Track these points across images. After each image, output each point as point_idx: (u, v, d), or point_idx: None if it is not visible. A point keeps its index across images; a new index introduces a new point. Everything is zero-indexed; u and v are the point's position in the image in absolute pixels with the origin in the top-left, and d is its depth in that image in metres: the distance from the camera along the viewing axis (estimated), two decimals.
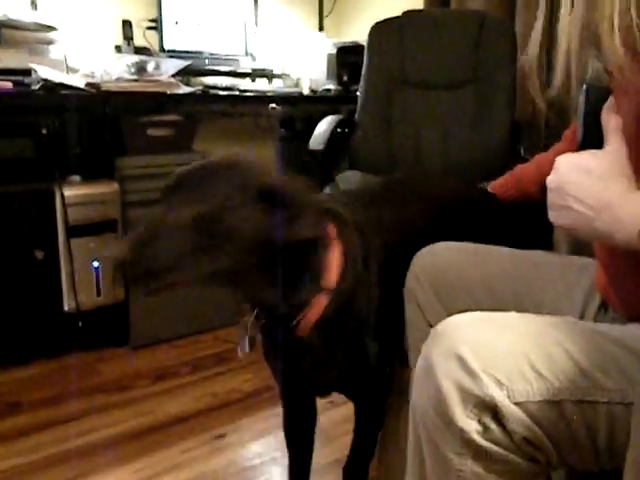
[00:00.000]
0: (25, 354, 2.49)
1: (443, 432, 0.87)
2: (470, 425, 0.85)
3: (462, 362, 0.85)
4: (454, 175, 1.98)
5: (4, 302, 2.37)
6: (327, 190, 2.50)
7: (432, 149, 2.67)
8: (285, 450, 1.64)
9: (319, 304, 1.23)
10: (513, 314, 0.95)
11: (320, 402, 1.88)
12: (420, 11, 3.00)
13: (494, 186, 1.77)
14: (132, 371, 2.48)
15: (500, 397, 0.84)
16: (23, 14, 2.74)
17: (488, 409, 0.84)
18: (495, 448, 0.85)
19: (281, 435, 1.63)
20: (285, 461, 1.66)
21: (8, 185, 2.37)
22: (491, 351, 0.87)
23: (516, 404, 0.84)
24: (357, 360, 1.34)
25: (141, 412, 2.20)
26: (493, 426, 0.85)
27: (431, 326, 1.00)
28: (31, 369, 2.46)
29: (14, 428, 2.09)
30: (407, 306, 1.32)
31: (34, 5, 2.92)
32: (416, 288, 1.30)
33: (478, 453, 0.86)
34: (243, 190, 1.10)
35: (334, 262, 1.24)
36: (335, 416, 2.11)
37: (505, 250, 1.33)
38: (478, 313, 0.94)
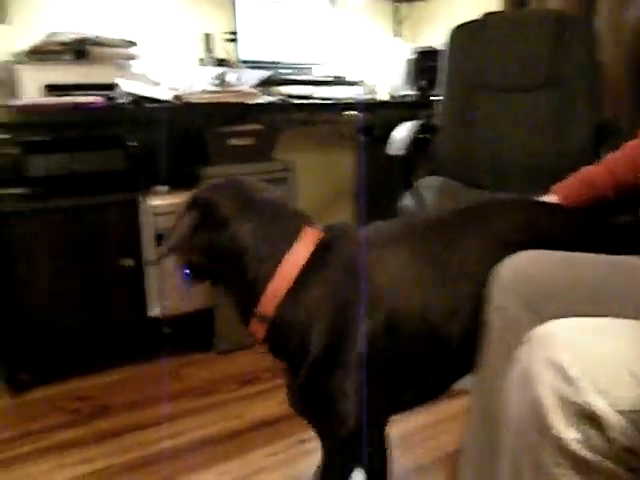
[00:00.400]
0: (114, 359, 2.57)
1: (541, 441, 0.85)
2: (570, 434, 0.83)
3: (561, 370, 0.84)
4: (536, 189, 1.84)
5: (94, 309, 2.46)
6: (407, 195, 2.50)
7: (513, 154, 2.63)
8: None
9: (264, 307, 1.25)
10: (612, 319, 0.93)
11: None
12: (500, 12, 2.96)
13: (561, 192, 1.59)
14: (217, 376, 2.53)
15: (601, 405, 0.82)
16: (109, 31, 2.85)
17: (588, 417, 0.83)
18: (595, 458, 0.83)
19: None
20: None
21: (98, 196, 2.47)
22: (590, 358, 0.85)
23: (618, 412, 0.82)
24: (315, 393, 1.26)
25: (227, 416, 2.24)
26: (593, 435, 0.83)
27: (519, 337, 0.98)
28: (120, 373, 2.54)
29: (104, 430, 2.16)
30: (491, 318, 1.29)
31: (120, 24, 3.03)
32: (502, 299, 1.24)
33: (577, 463, 0.84)
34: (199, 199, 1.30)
35: (292, 264, 1.23)
36: (415, 423, 2.11)
37: (596, 255, 1.29)
38: (575, 319, 0.93)
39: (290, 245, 1.23)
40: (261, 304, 1.24)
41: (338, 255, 1.23)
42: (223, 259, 1.27)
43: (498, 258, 1.23)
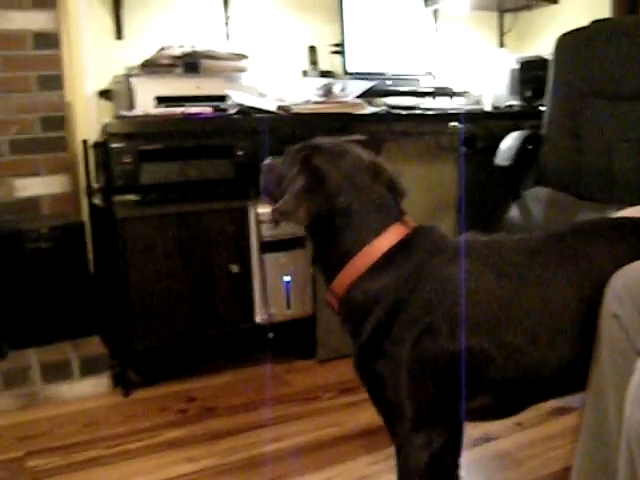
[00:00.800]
0: (221, 362, 2.64)
1: None
2: None
3: None
4: None
5: (202, 312, 2.53)
6: (514, 207, 2.45)
7: (625, 165, 2.53)
8: (469, 468, 1.60)
9: (338, 281, 1.28)
10: None
11: (506, 423, 1.83)
12: (609, 19, 2.88)
13: None
14: (319, 383, 2.55)
15: None
16: (218, 45, 2.95)
17: None
18: None
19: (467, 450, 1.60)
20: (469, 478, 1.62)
21: (208, 203, 2.54)
22: None
23: None
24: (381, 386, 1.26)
25: (328, 423, 2.24)
26: None
27: (636, 347, 0.94)
28: (227, 376, 2.60)
29: (210, 431, 2.21)
30: (605, 327, 1.24)
31: (228, 37, 3.13)
32: (619, 309, 1.18)
33: None
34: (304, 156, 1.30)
35: (373, 251, 1.25)
36: (522, 439, 2.05)
37: None
38: None
39: (376, 234, 1.26)
40: (335, 282, 1.30)
41: (414, 255, 1.24)
42: (319, 229, 1.31)
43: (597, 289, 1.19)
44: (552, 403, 2.16)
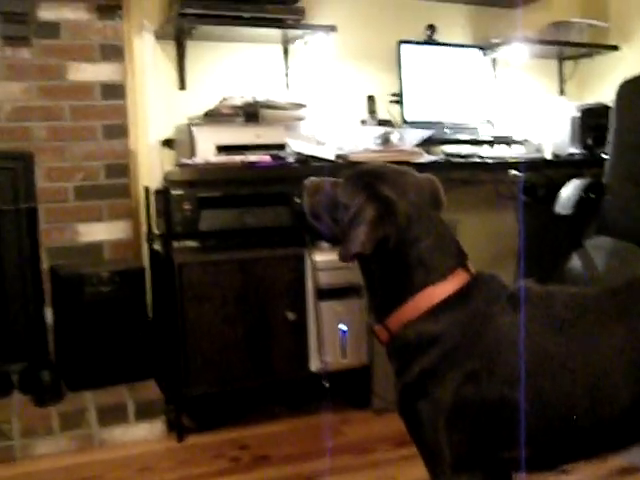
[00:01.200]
0: (275, 410, 2.62)
1: None
2: None
3: None
4: None
5: (258, 359, 2.53)
6: (575, 256, 2.40)
7: None
8: None
9: (395, 317, 1.26)
10: None
11: None
12: None
13: None
14: (374, 435, 2.50)
15: None
16: (279, 95, 3.00)
17: None
18: None
19: None
20: None
21: (264, 250, 2.57)
22: None
23: None
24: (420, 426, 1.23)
25: (383, 476, 2.19)
26: None
27: None
28: (281, 425, 2.58)
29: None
30: None
31: (288, 87, 3.19)
32: None
33: None
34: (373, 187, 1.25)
35: (434, 294, 1.22)
36: None
37: None
38: None
39: (440, 278, 1.24)
40: (391, 318, 1.27)
41: (473, 303, 1.22)
42: (379, 260, 1.26)
43: None
44: (616, 462, 2.07)
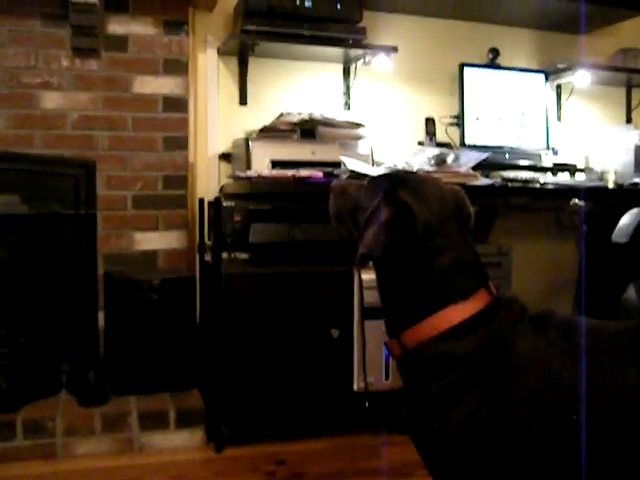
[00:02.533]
0: (315, 427, 2.59)
1: None
2: None
3: None
4: None
5: (300, 374, 2.52)
6: (632, 288, 2.31)
7: None
8: None
9: (412, 334, 1.21)
10: None
11: None
12: None
13: None
14: (413, 459, 2.43)
15: None
16: (337, 113, 3.02)
17: None
18: None
19: None
20: None
21: (312, 265, 2.56)
22: None
23: None
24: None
25: None
26: None
27: None
28: (320, 442, 2.54)
29: None
30: None
31: (347, 106, 3.20)
32: None
33: None
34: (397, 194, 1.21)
35: (454, 315, 1.17)
36: None
37: None
38: None
39: (462, 297, 1.18)
40: (407, 333, 1.22)
41: (494, 325, 1.17)
42: (395, 269, 1.22)
43: None
44: None
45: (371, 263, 1.26)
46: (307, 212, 2.58)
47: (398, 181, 1.25)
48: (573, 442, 1.08)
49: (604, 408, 1.08)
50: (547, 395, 1.10)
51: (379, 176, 1.31)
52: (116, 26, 2.84)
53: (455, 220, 1.24)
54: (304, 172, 2.49)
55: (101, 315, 2.74)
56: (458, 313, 1.17)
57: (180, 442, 2.46)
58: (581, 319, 1.20)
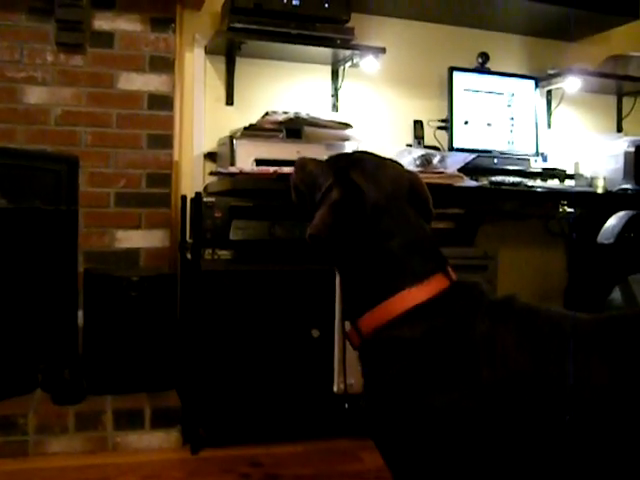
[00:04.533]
0: (292, 430, 2.54)
1: None
2: None
3: None
4: None
5: (278, 375, 2.47)
6: (617, 290, 2.28)
7: None
8: None
9: (366, 320, 1.18)
10: None
11: None
12: None
13: None
14: None
15: None
16: (325, 115, 2.99)
17: None
18: None
19: None
20: None
21: (292, 264, 2.52)
22: None
23: None
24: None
25: None
26: None
27: None
28: (296, 445, 2.49)
29: None
30: None
31: (335, 108, 3.18)
32: None
33: None
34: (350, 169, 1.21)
35: (408, 299, 1.13)
36: None
37: None
38: None
39: (416, 282, 1.14)
40: (363, 320, 1.18)
41: (449, 310, 1.13)
42: (348, 253, 1.20)
43: None
44: None
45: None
46: (289, 210, 2.54)
47: (352, 161, 1.24)
48: (524, 434, 1.05)
49: (556, 400, 1.04)
50: (497, 384, 1.06)
51: (335, 156, 1.30)
52: (102, 22, 2.82)
53: (408, 203, 1.21)
54: (286, 169, 2.46)
55: (81, 313, 2.70)
56: (412, 297, 1.14)
57: (155, 442, 2.41)
58: (545, 309, 1.16)
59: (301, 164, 1.34)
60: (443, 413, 1.07)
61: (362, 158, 1.26)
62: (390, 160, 1.29)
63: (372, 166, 1.23)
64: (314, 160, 1.33)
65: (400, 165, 1.30)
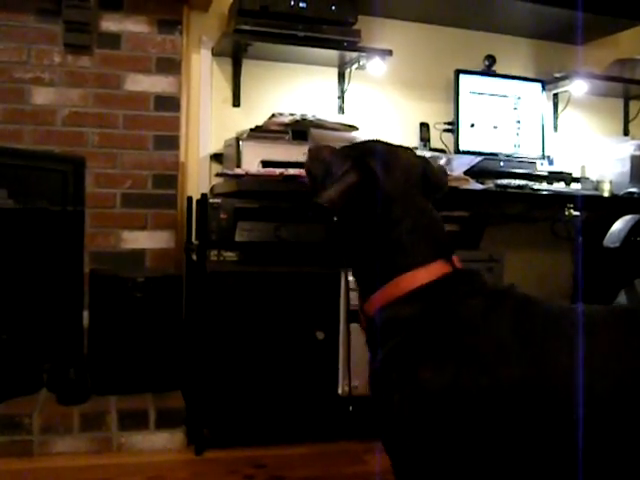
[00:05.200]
0: (298, 431, 2.54)
1: None
2: None
3: None
4: None
5: (283, 376, 2.47)
6: (622, 293, 2.27)
7: None
8: None
9: (371, 301, 1.22)
10: None
11: None
12: None
13: None
14: None
15: None
16: (331, 117, 2.99)
17: None
18: None
19: None
20: None
21: (298, 266, 2.52)
22: None
23: None
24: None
25: None
26: None
27: None
28: (301, 447, 2.49)
29: None
30: None
31: (341, 110, 3.18)
32: None
33: None
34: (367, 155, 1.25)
35: (410, 281, 1.17)
36: None
37: None
38: None
39: (419, 265, 1.19)
40: (368, 301, 1.24)
41: (447, 294, 1.17)
42: (360, 235, 1.24)
43: None
44: None
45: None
46: (295, 211, 2.55)
47: (367, 149, 1.27)
48: (519, 415, 1.07)
49: (545, 387, 1.06)
50: (484, 366, 1.08)
51: (350, 144, 1.33)
52: (109, 23, 2.83)
53: (419, 191, 1.25)
54: (292, 170, 2.46)
55: (87, 313, 2.70)
56: (412, 280, 1.18)
57: (160, 443, 2.41)
58: (542, 300, 1.18)
59: (316, 151, 1.37)
60: (437, 389, 1.09)
61: (377, 146, 1.29)
62: (403, 147, 1.33)
63: (387, 154, 1.27)
64: (329, 147, 1.36)
65: (412, 151, 1.34)
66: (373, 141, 1.32)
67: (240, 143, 2.69)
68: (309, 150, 1.40)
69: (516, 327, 1.11)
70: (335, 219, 1.28)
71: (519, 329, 1.11)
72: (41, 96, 2.77)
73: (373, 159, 1.24)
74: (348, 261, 1.30)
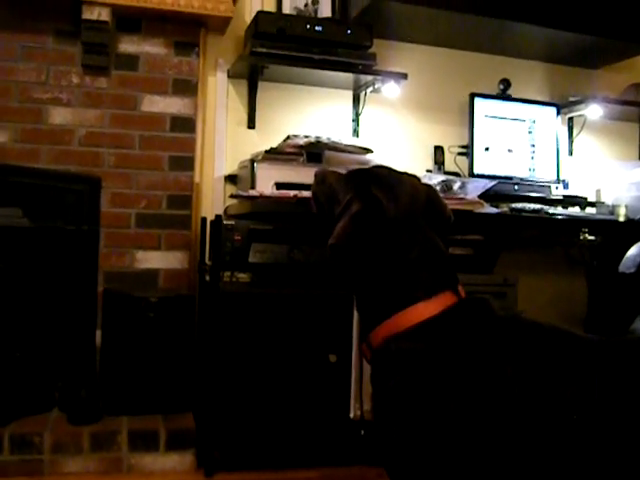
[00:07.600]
0: (308, 456, 2.52)
1: None
2: None
3: None
4: None
5: (294, 400, 2.46)
6: (638, 321, 2.24)
7: None
8: None
9: (377, 332, 1.19)
10: None
11: None
12: None
13: None
14: None
15: None
16: (346, 140, 3.00)
17: None
18: None
19: None
20: None
21: (311, 288, 2.52)
22: None
23: None
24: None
25: None
26: None
27: None
28: (312, 472, 2.46)
29: None
30: None
31: (356, 133, 3.19)
32: None
33: None
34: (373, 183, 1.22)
35: (417, 313, 1.14)
36: None
37: None
38: None
39: (426, 297, 1.16)
40: (372, 333, 1.21)
41: (454, 329, 1.14)
42: (364, 264, 1.21)
43: None
44: None
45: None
46: (308, 233, 2.55)
47: (371, 176, 1.25)
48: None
49: (550, 427, 1.03)
50: (489, 399, 1.06)
51: (355, 170, 1.30)
52: (127, 45, 2.86)
53: (425, 217, 1.23)
54: (307, 193, 2.46)
55: (99, 333, 2.70)
56: (419, 312, 1.15)
57: (170, 464, 2.40)
58: (549, 324, 1.16)
59: (322, 176, 1.35)
60: (441, 425, 1.08)
61: (381, 173, 1.27)
62: (407, 174, 1.31)
63: (391, 181, 1.24)
64: (334, 172, 1.34)
65: (417, 179, 1.32)
66: (377, 167, 1.31)
67: (255, 165, 2.70)
68: (315, 174, 1.38)
69: (525, 355, 1.09)
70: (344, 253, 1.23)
71: (528, 357, 1.09)
72: (59, 116, 2.80)
73: (376, 186, 1.22)
74: (352, 290, 1.28)
